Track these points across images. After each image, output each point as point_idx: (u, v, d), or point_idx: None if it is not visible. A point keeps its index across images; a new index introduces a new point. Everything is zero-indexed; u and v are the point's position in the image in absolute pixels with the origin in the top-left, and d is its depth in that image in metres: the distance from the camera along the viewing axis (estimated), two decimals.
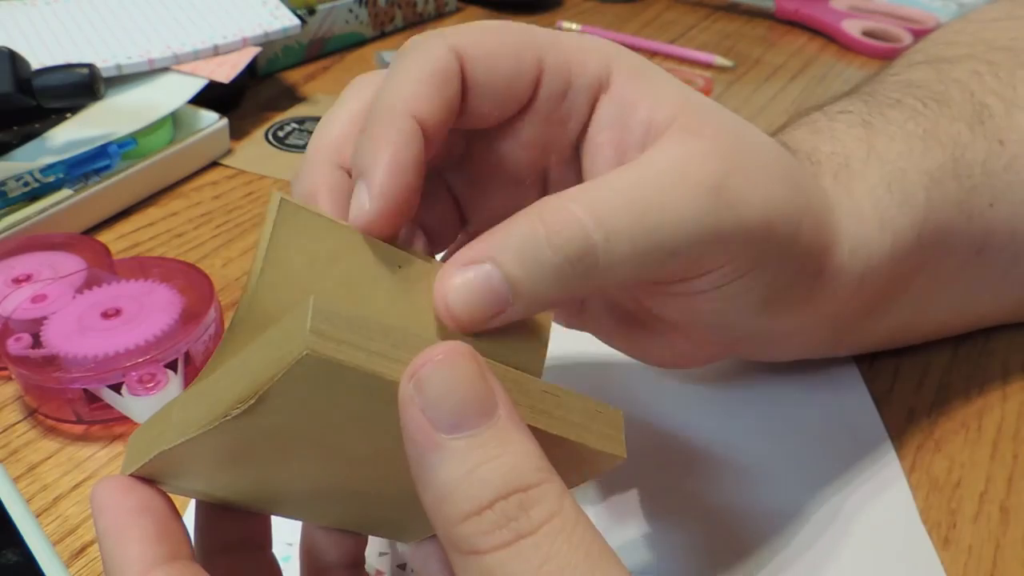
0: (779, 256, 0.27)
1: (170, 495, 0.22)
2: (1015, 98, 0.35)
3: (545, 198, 0.23)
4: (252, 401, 0.18)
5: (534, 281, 0.22)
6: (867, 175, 0.31)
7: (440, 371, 0.17)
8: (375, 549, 0.31)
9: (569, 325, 0.32)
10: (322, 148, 0.25)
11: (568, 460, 0.21)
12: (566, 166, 0.27)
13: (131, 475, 0.21)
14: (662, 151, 0.24)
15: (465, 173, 0.28)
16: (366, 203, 0.22)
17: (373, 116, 0.23)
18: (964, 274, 0.35)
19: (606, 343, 0.32)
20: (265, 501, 0.24)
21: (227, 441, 0.19)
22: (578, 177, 0.27)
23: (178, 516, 0.22)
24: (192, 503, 0.24)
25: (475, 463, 0.17)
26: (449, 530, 0.18)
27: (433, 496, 0.18)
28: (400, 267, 0.22)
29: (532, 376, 0.21)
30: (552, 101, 0.26)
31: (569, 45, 0.26)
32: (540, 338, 0.23)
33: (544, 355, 0.23)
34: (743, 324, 0.29)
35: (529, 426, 0.19)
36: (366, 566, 0.29)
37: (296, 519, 0.25)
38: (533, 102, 0.25)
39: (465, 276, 0.21)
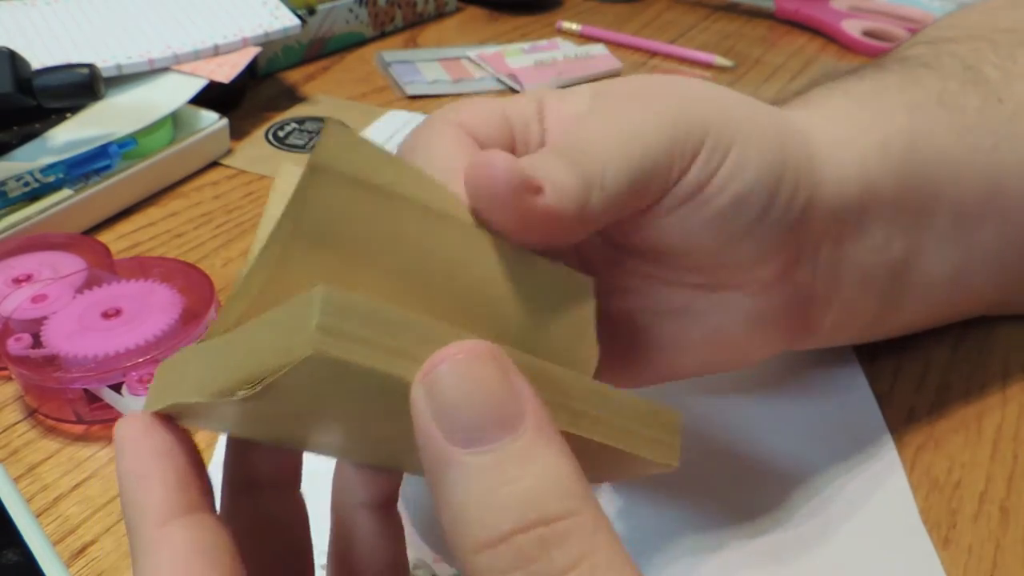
0: (756, 147, 0.27)
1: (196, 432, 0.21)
2: (1013, 68, 0.35)
3: (545, 148, 0.25)
4: (258, 388, 0.16)
5: (574, 183, 0.22)
6: (831, 101, 0.32)
7: (455, 374, 0.15)
8: None
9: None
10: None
11: (612, 463, 0.19)
12: None
13: (157, 413, 0.20)
14: (609, 105, 0.27)
15: None
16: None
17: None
18: (985, 221, 0.34)
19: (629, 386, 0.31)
20: (293, 442, 0.23)
21: (240, 410, 0.19)
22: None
23: (202, 464, 0.20)
24: (219, 446, 0.24)
25: (493, 485, 0.15)
26: (464, 558, 0.16)
27: (448, 517, 0.16)
28: (465, 231, 0.20)
29: (578, 374, 0.19)
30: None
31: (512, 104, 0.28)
32: (586, 331, 0.22)
33: (593, 352, 0.22)
34: (745, 248, 0.27)
35: (569, 433, 0.17)
36: None
37: (329, 456, 0.24)
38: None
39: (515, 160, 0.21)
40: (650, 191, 0.25)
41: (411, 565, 0.27)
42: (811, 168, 0.28)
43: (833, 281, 0.31)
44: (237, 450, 0.23)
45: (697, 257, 0.28)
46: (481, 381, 0.16)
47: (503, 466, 0.15)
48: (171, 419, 0.21)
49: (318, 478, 0.26)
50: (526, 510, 0.15)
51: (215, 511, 0.20)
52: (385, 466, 0.24)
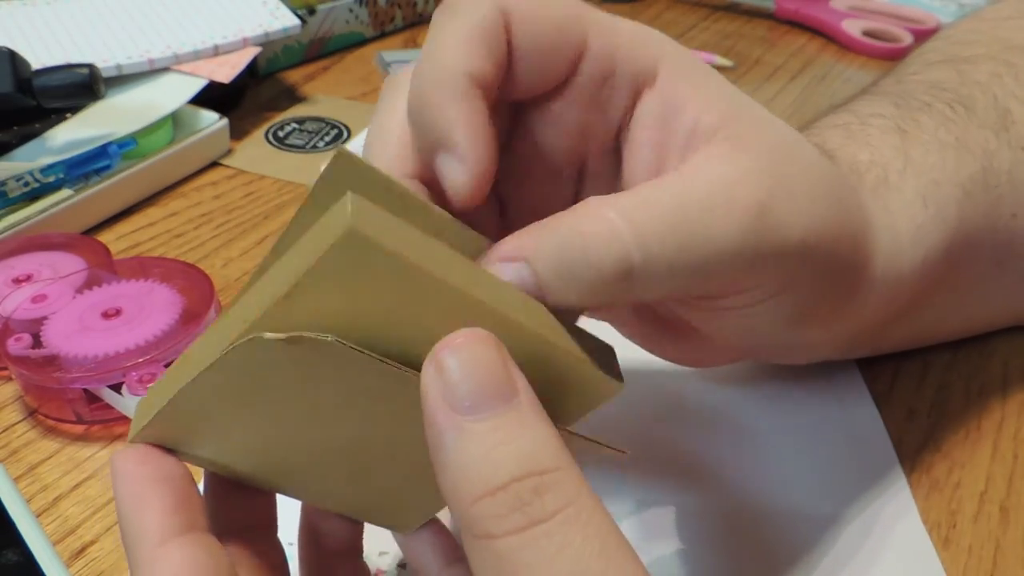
0: (814, 276, 0.26)
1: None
2: None
3: (588, 201, 0.22)
4: (290, 288, 0.17)
5: (566, 290, 0.21)
6: (904, 189, 0.31)
7: (459, 355, 0.18)
8: (375, 548, 0.31)
9: (588, 315, 0.32)
10: (385, 165, 0.24)
11: (569, 389, 0.21)
12: (604, 158, 0.27)
13: (150, 444, 0.21)
14: (707, 166, 0.23)
15: (504, 162, 0.26)
16: (460, 175, 0.21)
17: (427, 79, 0.22)
18: (983, 285, 0.36)
19: (623, 335, 0.32)
20: (270, 473, 0.24)
21: (239, 376, 0.19)
22: (615, 170, 0.27)
23: (195, 487, 0.22)
24: (202, 484, 0.24)
25: (492, 444, 0.17)
26: (464, 511, 0.17)
27: (449, 477, 0.18)
28: (453, 240, 0.21)
29: (538, 307, 0.21)
30: (592, 84, 0.25)
31: (618, 31, 0.25)
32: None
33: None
34: (770, 336, 0.29)
35: (532, 354, 0.19)
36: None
37: (298, 498, 0.25)
38: (573, 80, 0.24)
39: (501, 272, 0.21)
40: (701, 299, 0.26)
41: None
42: (859, 286, 0.29)
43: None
44: (216, 494, 0.24)
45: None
46: (482, 359, 0.18)
47: (501, 430, 0.17)
48: (165, 450, 0.21)
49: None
50: (522, 464, 0.17)
51: (211, 532, 0.21)
52: (350, 512, 0.25)
